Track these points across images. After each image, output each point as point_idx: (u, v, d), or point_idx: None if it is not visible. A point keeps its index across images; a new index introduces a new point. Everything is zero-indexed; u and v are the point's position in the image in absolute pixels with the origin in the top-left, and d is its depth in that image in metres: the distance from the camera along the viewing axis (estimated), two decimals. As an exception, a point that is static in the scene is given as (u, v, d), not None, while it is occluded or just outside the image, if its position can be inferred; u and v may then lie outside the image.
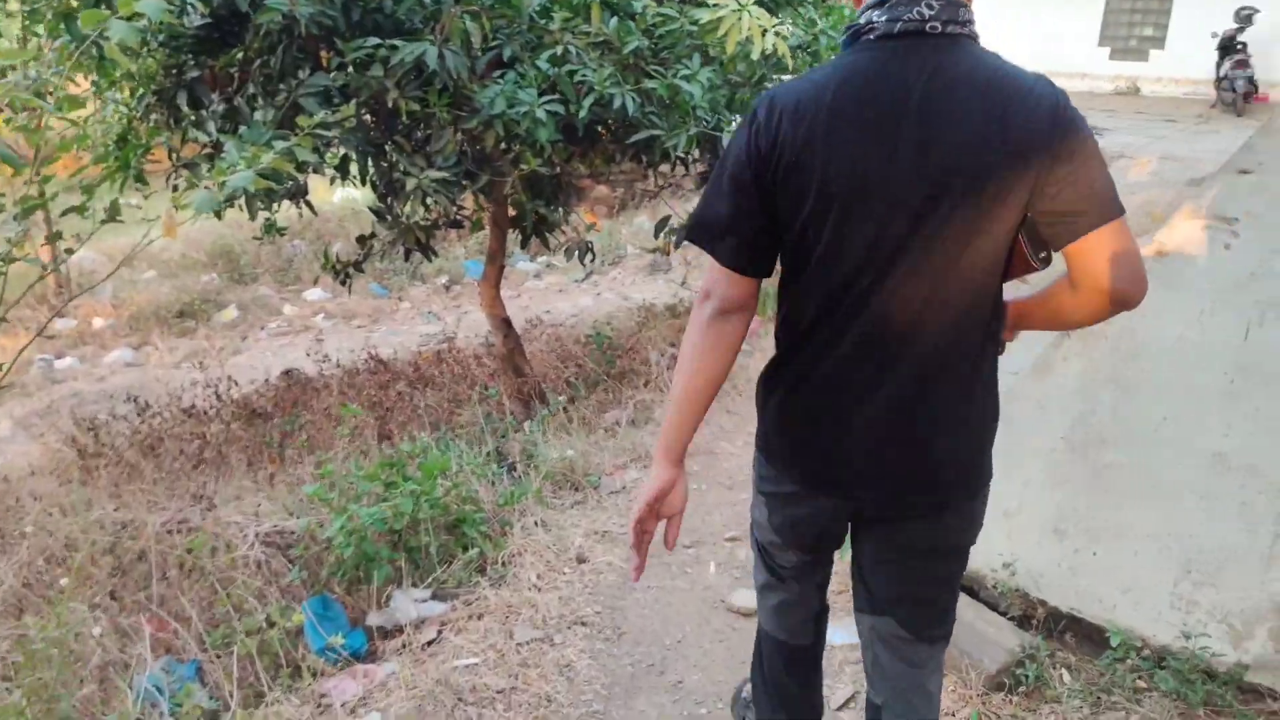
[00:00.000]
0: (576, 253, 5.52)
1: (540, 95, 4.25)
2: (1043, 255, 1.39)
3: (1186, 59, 16.06)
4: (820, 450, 1.51)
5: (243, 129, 4.06)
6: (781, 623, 1.80)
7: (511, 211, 5.44)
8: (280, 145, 3.70)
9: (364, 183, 4.99)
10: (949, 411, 1.45)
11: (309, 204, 5.12)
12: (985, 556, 2.51)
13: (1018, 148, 1.29)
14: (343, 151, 4.77)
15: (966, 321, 1.40)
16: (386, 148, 4.78)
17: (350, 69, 4.19)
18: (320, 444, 4.71)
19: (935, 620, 1.64)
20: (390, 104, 4.31)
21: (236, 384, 6.13)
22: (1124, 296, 1.31)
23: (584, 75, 4.32)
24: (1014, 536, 2.45)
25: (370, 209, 5.19)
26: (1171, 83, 16.45)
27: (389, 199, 4.91)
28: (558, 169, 5.28)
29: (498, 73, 4.39)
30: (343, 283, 5.45)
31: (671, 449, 1.51)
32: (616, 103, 4.24)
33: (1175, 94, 16.29)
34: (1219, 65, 14.54)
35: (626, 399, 4.56)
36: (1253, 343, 2.02)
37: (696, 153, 4.96)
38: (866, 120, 1.32)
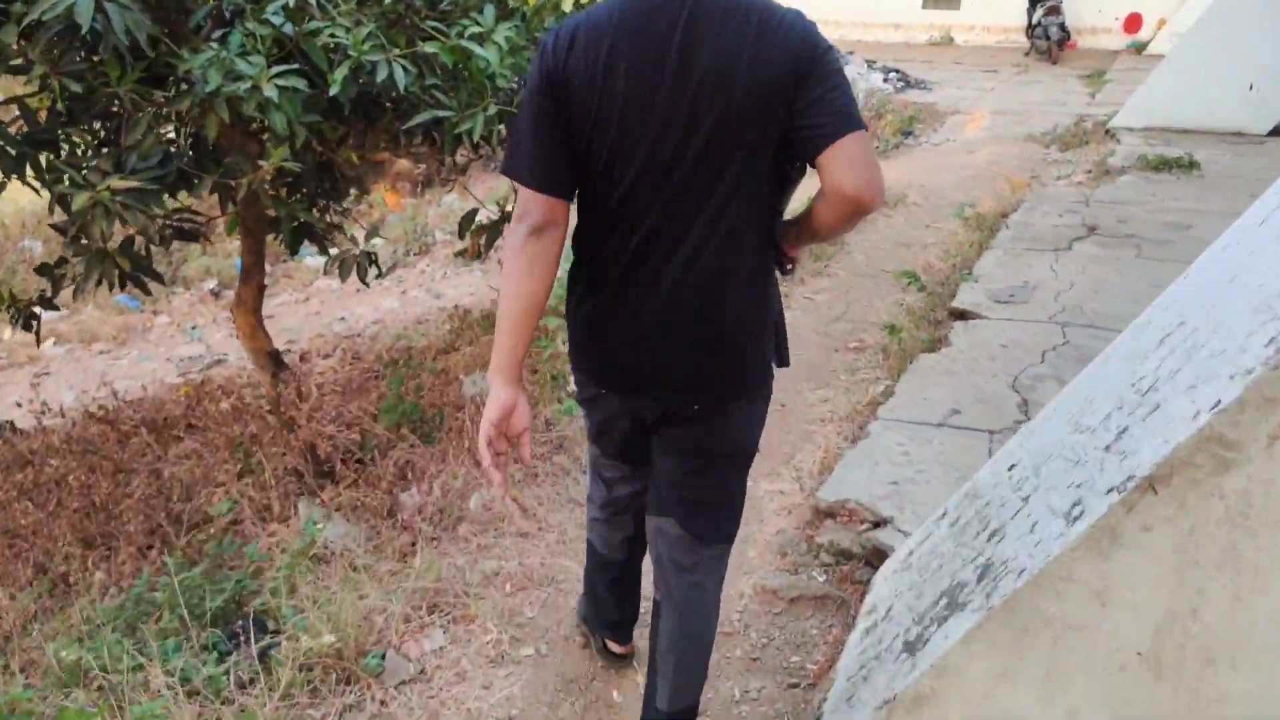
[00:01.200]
0: (355, 269, 4.25)
1: (279, 63, 2.99)
2: (798, 165, 1.58)
3: (997, 6, 16.05)
4: (607, 352, 1.67)
5: None
6: (600, 534, 2.08)
7: (271, 212, 4.09)
8: None
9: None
10: (723, 316, 1.60)
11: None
12: (1006, 823, 1.56)
13: (769, 69, 1.44)
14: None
15: (739, 230, 1.55)
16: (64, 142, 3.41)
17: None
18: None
19: (712, 524, 1.81)
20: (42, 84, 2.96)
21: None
22: (861, 199, 1.43)
23: (334, 35, 3.07)
24: (1055, 796, 1.50)
25: (53, 227, 3.73)
26: (984, 30, 16.43)
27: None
28: (324, 156, 4.01)
29: (221, 32, 3.09)
30: (27, 328, 3.97)
31: (505, 370, 1.58)
32: (382, 74, 3.01)
33: (988, 42, 16.28)
34: (1030, 12, 14.52)
35: (432, 475, 3.38)
36: None
37: (504, 130, 3.81)
38: (637, 46, 1.47)
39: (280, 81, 2.89)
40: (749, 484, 1.88)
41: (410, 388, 4.10)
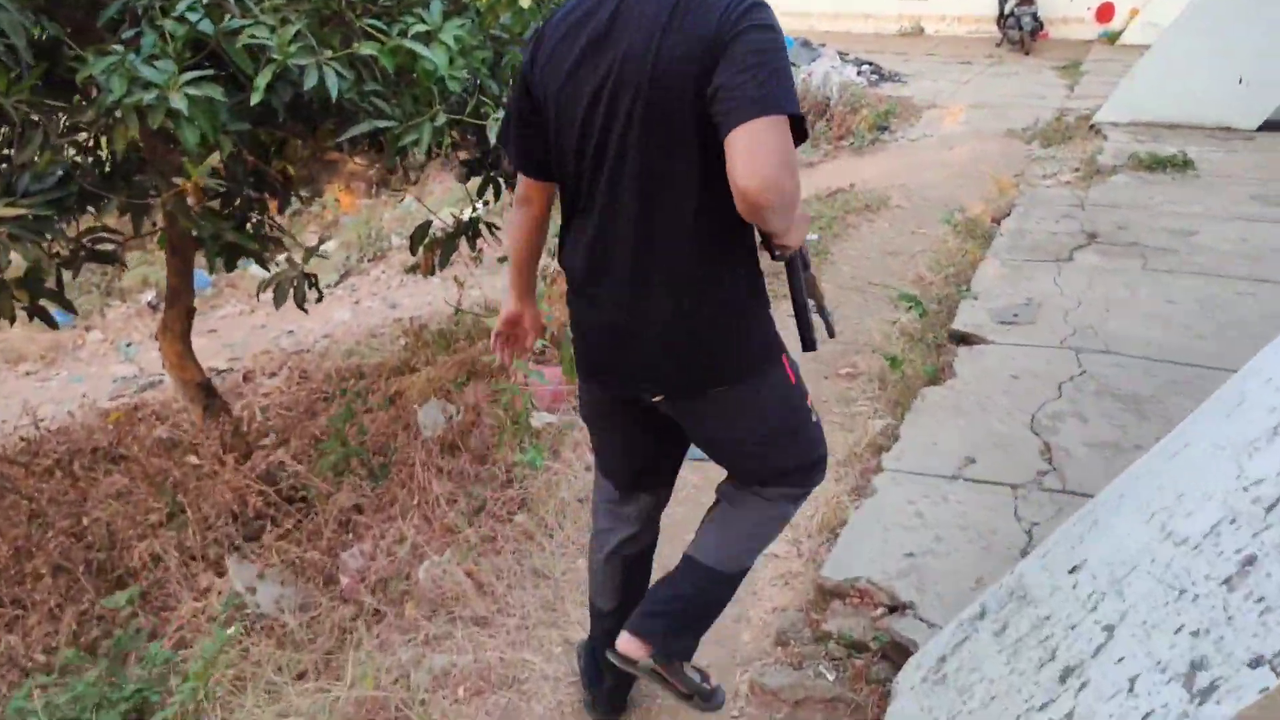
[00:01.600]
0: (292, 292, 3.85)
1: (193, 69, 2.60)
2: None
3: (967, -4, 15.78)
4: (578, 338, 1.73)
5: None
6: (592, 568, 2.00)
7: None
8: None
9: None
10: (669, 304, 1.55)
11: None
12: None
13: (677, 52, 1.39)
14: None
15: (677, 212, 1.50)
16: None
17: None
18: None
19: (753, 478, 1.75)
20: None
21: None
22: (748, 193, 1.32)
23: (256, 35, 2.66)
24: None
25: (-60, 252, 3.27)
26: (955, 21, 16.17)
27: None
28: (255, 166, 3.59)
29: (134, 31, 2.68)
30: (-83, 365, 3.51)
31: (513, 288, 1.83)
32: (310, 79, 2.61)
33: (959, 33, 16.02)
34: (1002, 2, 14.26)
35: (377, 533, 2.98)
36: None
37: (456, 135, 3.42)
38: (571, 39, 1.50)
39: (192, 90, 2.48)
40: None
41: (354, 431, 3.68)
